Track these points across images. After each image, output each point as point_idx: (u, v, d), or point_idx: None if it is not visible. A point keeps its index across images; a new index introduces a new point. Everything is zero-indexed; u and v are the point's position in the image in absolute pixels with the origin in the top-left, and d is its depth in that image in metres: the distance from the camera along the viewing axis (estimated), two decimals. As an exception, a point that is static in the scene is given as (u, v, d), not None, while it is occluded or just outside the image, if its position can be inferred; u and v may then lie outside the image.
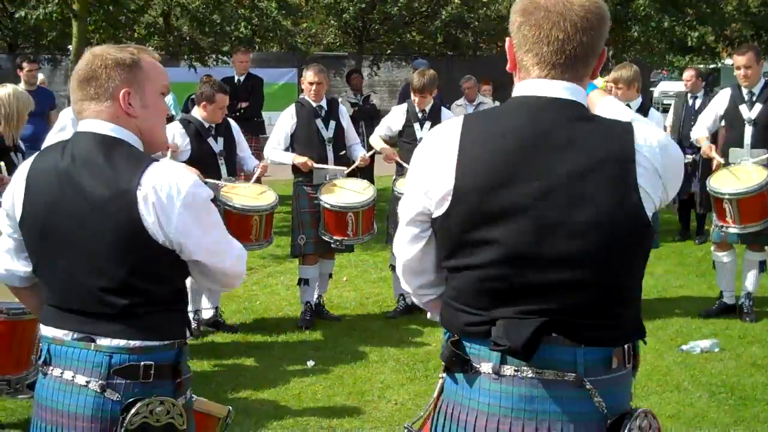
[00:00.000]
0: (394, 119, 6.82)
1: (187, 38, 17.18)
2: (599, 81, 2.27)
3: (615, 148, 1.89)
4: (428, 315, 2.33)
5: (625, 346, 1.97)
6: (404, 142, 6.77)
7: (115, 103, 2.28)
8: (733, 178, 6.22)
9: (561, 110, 1.93)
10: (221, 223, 2.39)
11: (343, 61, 23.33)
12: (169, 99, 9.82)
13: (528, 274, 1.90)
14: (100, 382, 2.21)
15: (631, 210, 1.88)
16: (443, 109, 6.96)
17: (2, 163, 4.93)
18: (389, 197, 6.99)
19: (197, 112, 6.17)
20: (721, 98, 6.71)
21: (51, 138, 5.97)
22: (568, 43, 1.92)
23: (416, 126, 6.68)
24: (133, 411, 2.18)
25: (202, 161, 5.91)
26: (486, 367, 1.96)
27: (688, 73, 9.58)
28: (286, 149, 6.53)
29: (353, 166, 6.69)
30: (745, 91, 6.50)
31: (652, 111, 6.83)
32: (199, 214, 2.25)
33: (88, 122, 2.30)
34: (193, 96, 7.94)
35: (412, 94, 6.69)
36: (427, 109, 6.70)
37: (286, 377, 5.42)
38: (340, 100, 8.52)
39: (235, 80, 9.86)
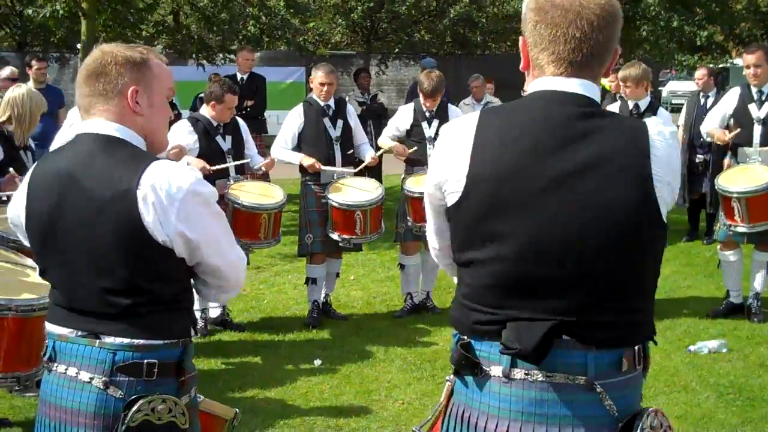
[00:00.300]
0: (402, 119, 6.81)
1: (196, 37, 17.18)
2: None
3: (629, 142, 1.90)
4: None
5: (636, 348, 1.96)
6: (412, 141, 6.76)
7: (123, 100, 2.29)
8: (742, 177, 6.20)
9: (576, 104, 1.94)
10: (225, 223, 2.37)
11: (351, 60, 23.33)
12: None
13: (539, 268, 1.89)
14: (103, 378, 2.21)
15: (646, 204, 1.88)
16: (450, 106, 6.95)
17: (11, 169, 4.97)
18: (397, 196, 6.99)
19: (206, 111, 6.19)
20: (730, 97, 6.69)
21: (60, 136, 5.99)
22: (584, 42, 1.93)
23: (424, 125, 6.68)
24: (134, 408, 2.18)
25: (210, 160, 5.95)
26: (496, 371, 1.95)
27: (699, 72, 9.56)
28: (294, 149, 6.53)
29: (362, 166, 6.70)
30: (754, 90, 6.48)
31: (661, 110, 6.83)
32: (198, 211, 2.23)
33: (92, 122, 2.30)
34: (201, 94, 7.96)
35: (421, 97, 6.68)
36: (434, 108, 6.70)
37: (293, 376, 5.42)
38: (347, 99, 8.52)
39: (238, 78, 9.87)
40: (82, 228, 2.22)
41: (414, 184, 6.44)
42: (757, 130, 6.40)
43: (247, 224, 5.87)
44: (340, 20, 23.65)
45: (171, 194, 2.18)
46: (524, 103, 2.01)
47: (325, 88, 6.50)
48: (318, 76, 6.52)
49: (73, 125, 6.00)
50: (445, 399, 2.14)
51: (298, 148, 6.53)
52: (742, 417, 4.76)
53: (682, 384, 5.24)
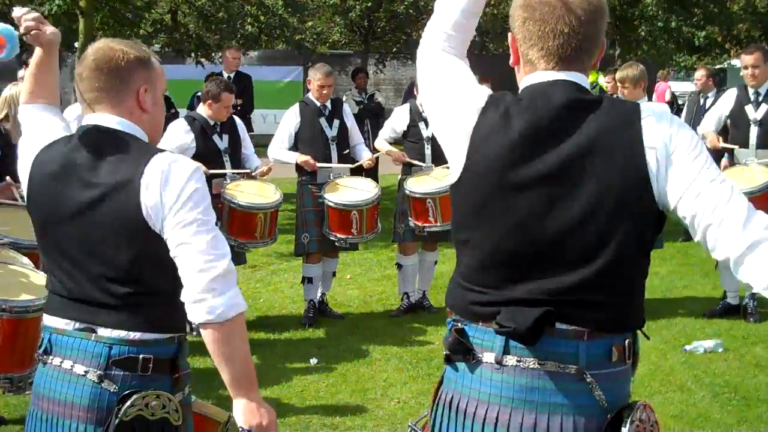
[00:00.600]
0: (398, 120, 6.78)
1: (194, 35, 17.17)
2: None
3: (622, 126, 1.93)
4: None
5: (626, 342, 1.98)
6: (410, 142, 6.74)
7: (133, 98, 2.32)
8: (738, 178, 6.20)
9: (569, 91, 1.97)
10: (213, 219, 2.26)
11: (349, 60, 23.31)
12: None
13: (534, 250, 1.93)
14: (98, 372, 2.22)
15: (638, 187, 1.90)
16: None
17: (8, 177, 4.96)
18: (394, 196, 6.99)
19: (202, 110, 6.18)
20: (727, 98, 6.70)
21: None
22: (573, 37, 1.96)
23: (421, 125, 6.65)
24: (128, 403, 2.18)
25: (207, 158, 5.92)
26: (488, 357, 1.98)
27: (698, 73, 9.59)
28: (290, 148, 6.53)
29: (357, 164, 6.69)
30: (751, 92, 6.48)
31: (658, 110, 6.83)
32: (194, 199, 2.19)
33: (99, 116, 2.32)
34: (198, 93, 7.94)
35: (418, 97, 6.67)
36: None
37: (289, 375, 5.42)
38: (344, 98, 8.52)
39: (225, 77, 9.82)
40: (83, 215, 2.24)
41: (415, 185, 6.42)
42: (754, 131, 6.40)
43: (243, 224, 5.86)
44: (338, 19, 23.63)
45: (169, 180, 2.18)
46: (522, 93, 2.04)
47: (324, 90, 6.50)
48: (317, 78, 6.51)
49: (69, 123, 5.99)
50: (435, 390, 2.17)
51: (294, 148, 6.54)
52: (738, 416, 4.77)
53: (678, 383, 5.24)
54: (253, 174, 6.27)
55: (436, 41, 2.14)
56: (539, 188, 1.92)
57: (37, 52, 2.59)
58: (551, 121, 1.94)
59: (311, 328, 6.41)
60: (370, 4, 21.85)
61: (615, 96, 7.74)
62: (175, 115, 8.78)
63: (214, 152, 6.08)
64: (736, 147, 6.38)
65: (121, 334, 2.24)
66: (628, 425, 1.90)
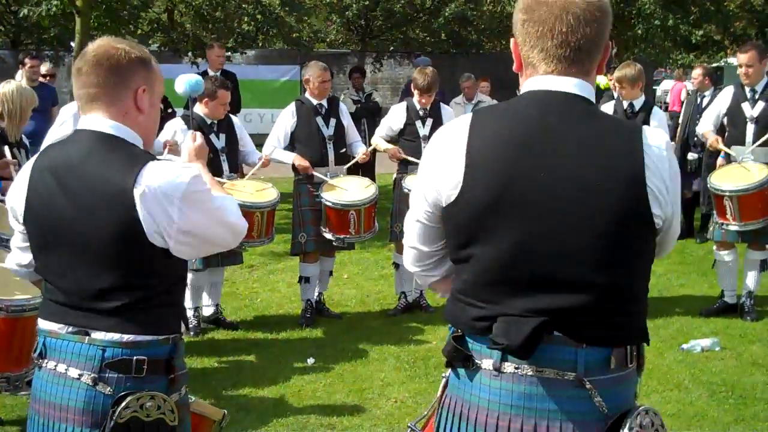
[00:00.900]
0: (395, 118, 6.79)
1: (190, 35, 17.17)
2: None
3: (625, 145, 1.91)
4: (438, 295, 2.32)
5: (627, 348, 1.97)
6: (406, 140, 6.74)
7: (130, 98, 2.31)
8: (734, 176, 6.22)
9: (570, 104, 1.95)
10: (221, 213, 2.36)
11: (346, 58, 23.32)
12: None
13: (534, 266, 1.91)
14: (92, 375, 2.22)
15: (638, 209, 1.89)
16: (442, 105, 6.94)
17: (6, 148, 4.95)
18: (391, 195, 6.98)
19: (199, 108, 6.17)
20: (724, 96, 6.71)
21: (52, 134, 5.97)
22: (571, 36, 1.94)
23: (418, 123, 6.66)
24: (123, 405, 2.19)
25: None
26: (487, 364, 1.96)
27: (695, 72, 9.61)
28: (287, 147, 6.52)
29: (353, 162, 6.69)
30: (747, 89, 6.49)
31: (656, 109, 6.85)
32: (200, 204, 2.26)
33: (92, 119, 2.31)
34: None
35: (416, 94, 6.66)
36: (428, 106, 6.69)
37: (287, 374, 5.42)
38: (342, 97, 8.50)
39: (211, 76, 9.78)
40: (79, 223, 2.23)
41: (412, 183, 6.42)
42: (750, 128, 6.41)
43: (240, 222, 5.84)
44: (335, 18, 23.64)
45: (168, 193, 2.19)
46: (517, 102, 2.02)
47: (326, 85, 6.50)
48: (316, 74, 6.47)
49: (65, 123, 5.99)
50: (440, 392, 2.16)
51: (290, 146, 6.53)
52: (735, 415, 4.77)
53: (675, 382, 5.25)
54: (251, 170, 6.27)
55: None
56: (536, 208, 1.89)
57: None
58: (550, 134, 1.91)
59: (309, 328, 6.40)
60: (367, 3, 21.87)
61: (615, 96, 7.73)
62: (172, 115, 8.78)
63: (211, 151, 6.07)
64: (733, 153, 6.39)
65: (115, 336, 2.24)
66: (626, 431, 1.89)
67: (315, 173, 6.38)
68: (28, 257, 2.47)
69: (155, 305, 2.28)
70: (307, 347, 5.97)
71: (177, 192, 2.20)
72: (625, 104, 6.75)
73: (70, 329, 2.27)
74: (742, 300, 6.57)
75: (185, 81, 3.01)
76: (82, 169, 2.24)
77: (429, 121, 6.63)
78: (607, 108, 6.75)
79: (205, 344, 6.00)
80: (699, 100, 9.30)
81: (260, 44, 21.83)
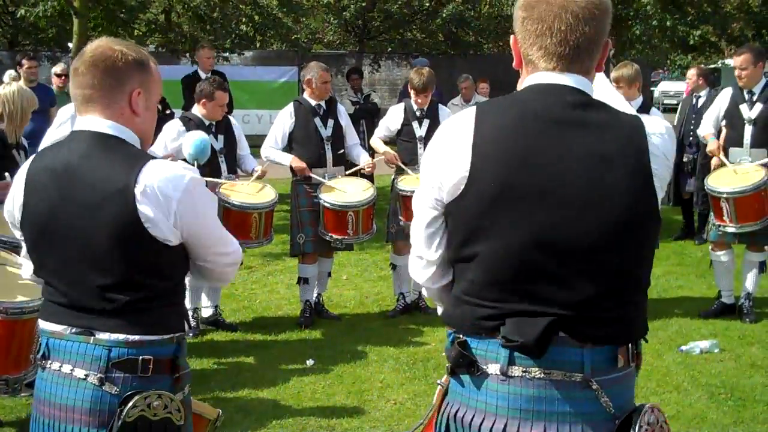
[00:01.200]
0: (392, 119, 6.80)
1: (188, 35, 17.17)
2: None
3: (629, 135, 1.92)
4: (439, 311, 2.28)
5: (629, 345, 1.98)
6: (403, 141, 6.75)
7: (126, 100, 2.31)
8: (731, 177, 6.22)
9: (571, 96, 1.95)
10: (216, 216, 2.43)
11: (344, 59, 23.33)
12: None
13: (541, 261, 1.90)
14: (98, 375, 2.22)
15: (645, 197, 1.91)
16: (440, 106, 6.94)
17: (7, 174, 4.94)
18: (389, 196, 6.98)
19: (197, 110, 6.17)
20: (723, 98, 6.72)
21: (50, 134, 5.97)
22: (570, 34, 1.94)
23: (414, 124, 6.67)
24: (130, 404, 2.18)
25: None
26: (493, 368, 1.95)
27: (690, 72, 9.63)
28: (284, 148, 6.51)
29: (356, 169, 6.69)
30: (745, 91, 6.50)
31: (654, 110, 6.87)
32: (197, 205, 2.27)
33: (88, 119, 2.31)
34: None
35: (412, 94, 6.67)
36: (425, 106, 6.69)
37: (286, 376, 5.41)
38: (340, 98, 8.49)
39: (202, 77, 9.77)
40: (79, 224, 2.23)
41: (407, 184, 6.43)
42: (748, 130, 6.42)
43: (238, 224, 5.84)
44: (333, 19, 23.63)
45: (169, 190, 2.20)
46: (521, 94, 2.02)
47: (327, 85, 6.51)
48: (318, 74, 6.44)
49: (63, 124, 5.98)
50: (437, 400, 2.14)
51: (288, 147, 6.51)
52: (734, 417, 4.77)
53: (674, 384, 5.24)
54: (250, 181, 6.26)
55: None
56: (544, 198, 1.89)
57: None
58: (555, 125, 1.92)
59: (308, 329, 6.40)
60: (364, 4, 21.86)
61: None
62: (170, 116, 8.76)
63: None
64: (729, 163, 6.39)
65: (120, 336, 2.24)
66: (636, 430, 1.89)
67: (312, 175, 6.38)
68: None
69: (159, 304, 2.28)
70: (306, 348, 5.96)
71: (177, 190, 2.21)
72: (624, 105, 6.74)
73: (74, 330, 2.27)
74: (741, 302, 6.57)
75: (192, 143, 2.96)
76: (82, 168, 2.24)
77: (426, 122, 6.64)
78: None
79: (204, 346, 5.99)
80: (694, 100, 9.32)
81: (258, 45, 21.83)
